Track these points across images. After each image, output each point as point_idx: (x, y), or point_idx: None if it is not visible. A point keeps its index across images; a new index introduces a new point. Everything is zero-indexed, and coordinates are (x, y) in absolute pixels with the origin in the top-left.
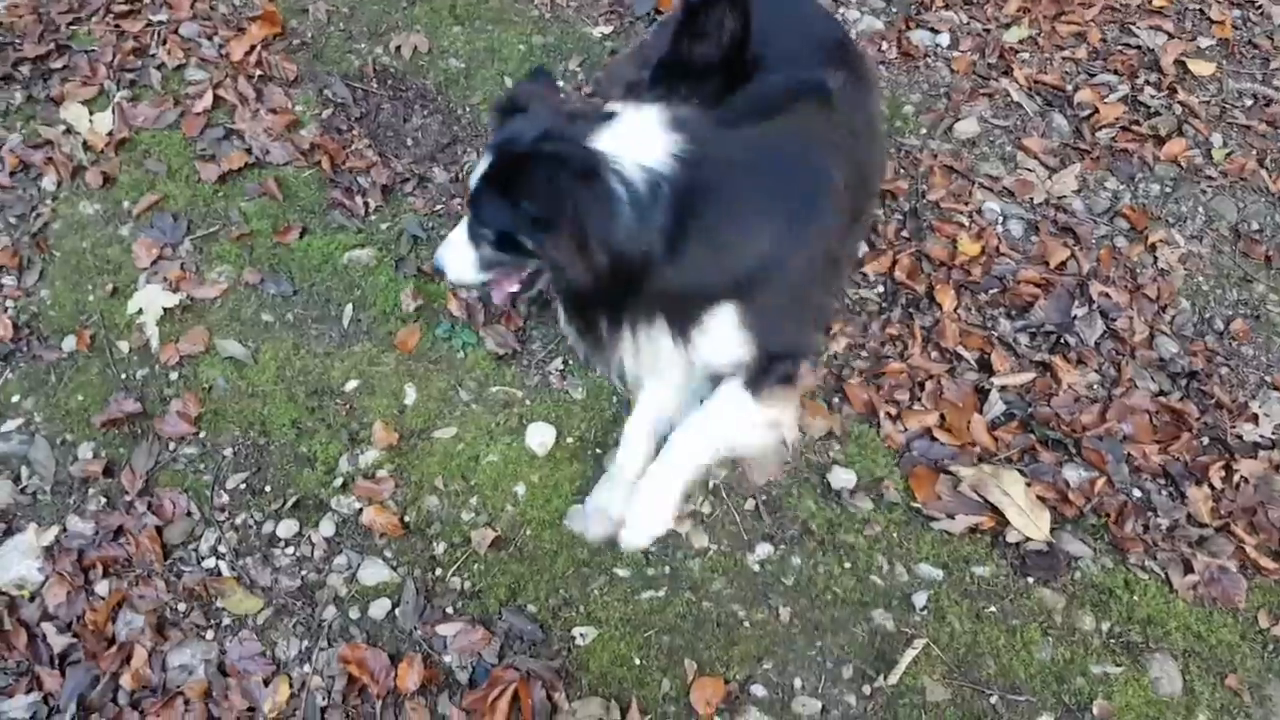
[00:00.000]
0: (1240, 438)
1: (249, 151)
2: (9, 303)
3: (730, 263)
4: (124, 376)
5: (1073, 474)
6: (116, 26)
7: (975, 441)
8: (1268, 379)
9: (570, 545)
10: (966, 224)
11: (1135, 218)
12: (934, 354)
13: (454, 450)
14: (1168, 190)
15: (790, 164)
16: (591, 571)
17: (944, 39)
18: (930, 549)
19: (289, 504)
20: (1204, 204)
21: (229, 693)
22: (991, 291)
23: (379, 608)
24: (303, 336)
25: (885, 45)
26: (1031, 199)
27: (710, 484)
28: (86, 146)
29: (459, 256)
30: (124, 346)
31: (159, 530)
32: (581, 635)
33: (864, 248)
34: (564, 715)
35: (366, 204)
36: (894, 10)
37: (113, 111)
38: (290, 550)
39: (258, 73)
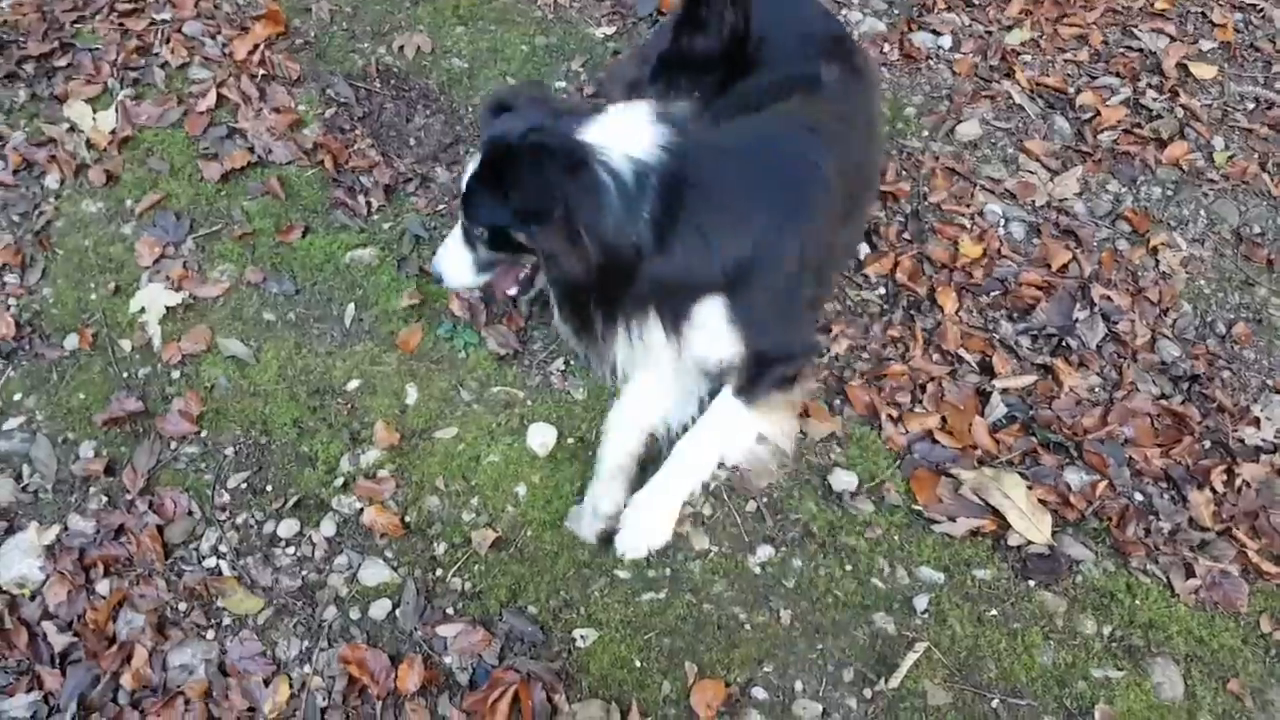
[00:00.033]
0: (1242, 441)
1: (252, 150)
2: (11, 300)
3: (717, 252)
4: (126, 375)
5: (1074, 477)
6: (120, 25)
7: (977, 444)
8: (1269, 383)
9: (571, 546)
10: (968, 226)
11: (1137, 221)
12: (935, 356)
13: (455, 450)
14: (1169, 193)
15: (777, 154)
16: (592, 573)
17: (946, 41)
18: (931, 552)
19: (290, 503)
20: (1206, 207)
21: (229, 693)
22: (993, 294)
23: (379, 608)
24: (305, 336)
25: (887, 47)
26: (1033, 201)
27: (711, 486)
28: (90, 145)
29: (455, 261)
30: (126, 345)
31: (160, 529)
32: (582, 637)
33: (865, 249)
34: (564, 717)
35: (369, 203)
36: (896, 12)
37: (116, 110)
38: (291, 550)
39: (261, 72)
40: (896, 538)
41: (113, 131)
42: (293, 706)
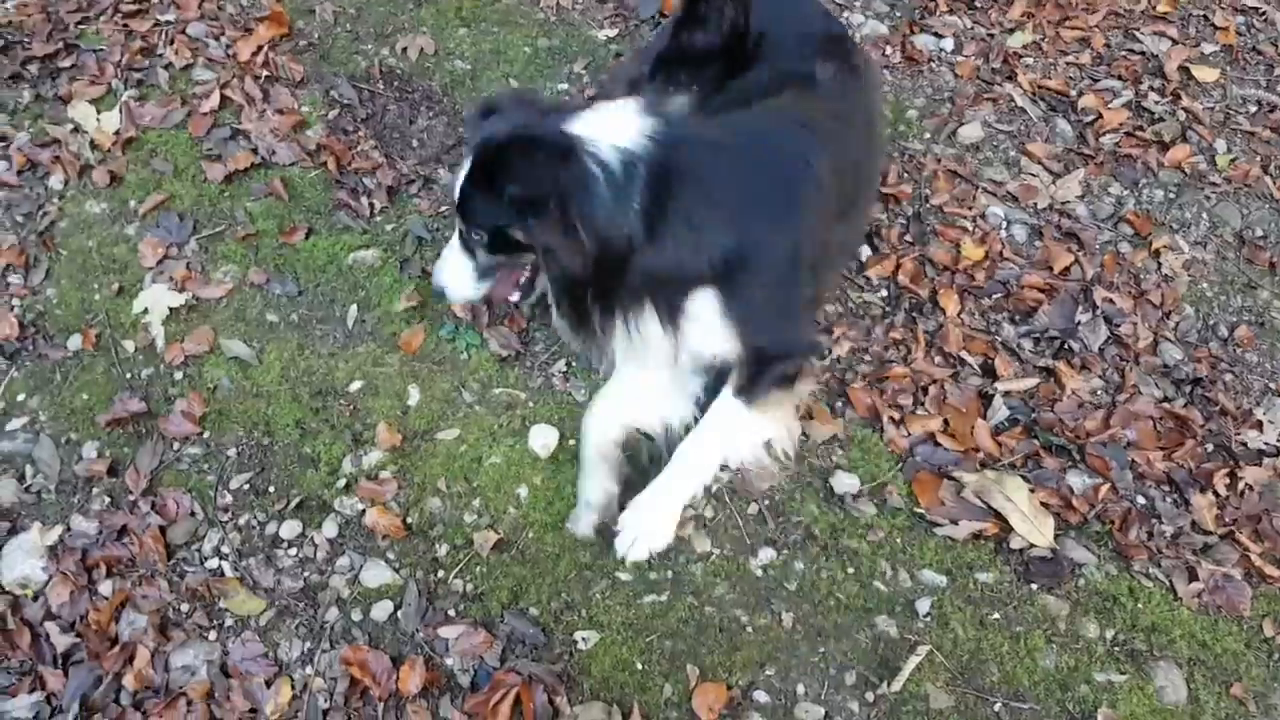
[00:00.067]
0: (1245, 445)
1: (255, 152)
2: (15, 301)
3: (706, 242)
4: (129, 376)
5: (1077, 480)
6: (124, 26)
7: (979, 447)
8: (1272, 386)
9: (573, 548)
10: (970, 228)
11: (1139, 223)
12: (937, 359)
13: (457, 452)
14: (1172, 196)
15: (767, 147)
16: (594, 575)
17: (948, 44)
18: (934, 555)
19: (292, 505)
20: (1208, 210)
21: (231, 694)
22: (995, 296)
23: (381, 609)
24: (307, 337)
25: (889, 49)
26: (1035, 204)
27: (713, 488)
28: (93, 145)
29: (456, 271)
30: (129, 346)
31: (162, 530)
32: (584, 639)
33: (867, 251)
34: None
35: (372, 205)
36: (898, 15)
37: (120, 111)
38: (293, 551)
39: (265, 73)
40: (898, 540)
41: (116, 132)
42: (294, 708)
